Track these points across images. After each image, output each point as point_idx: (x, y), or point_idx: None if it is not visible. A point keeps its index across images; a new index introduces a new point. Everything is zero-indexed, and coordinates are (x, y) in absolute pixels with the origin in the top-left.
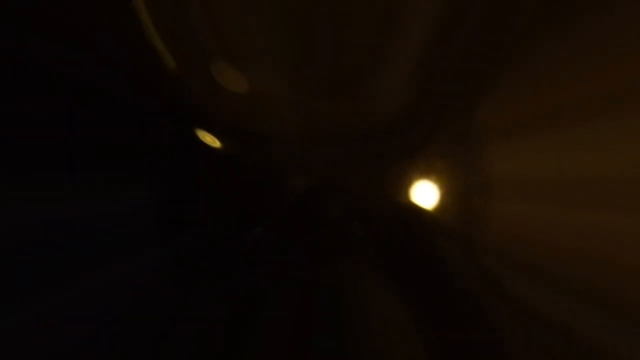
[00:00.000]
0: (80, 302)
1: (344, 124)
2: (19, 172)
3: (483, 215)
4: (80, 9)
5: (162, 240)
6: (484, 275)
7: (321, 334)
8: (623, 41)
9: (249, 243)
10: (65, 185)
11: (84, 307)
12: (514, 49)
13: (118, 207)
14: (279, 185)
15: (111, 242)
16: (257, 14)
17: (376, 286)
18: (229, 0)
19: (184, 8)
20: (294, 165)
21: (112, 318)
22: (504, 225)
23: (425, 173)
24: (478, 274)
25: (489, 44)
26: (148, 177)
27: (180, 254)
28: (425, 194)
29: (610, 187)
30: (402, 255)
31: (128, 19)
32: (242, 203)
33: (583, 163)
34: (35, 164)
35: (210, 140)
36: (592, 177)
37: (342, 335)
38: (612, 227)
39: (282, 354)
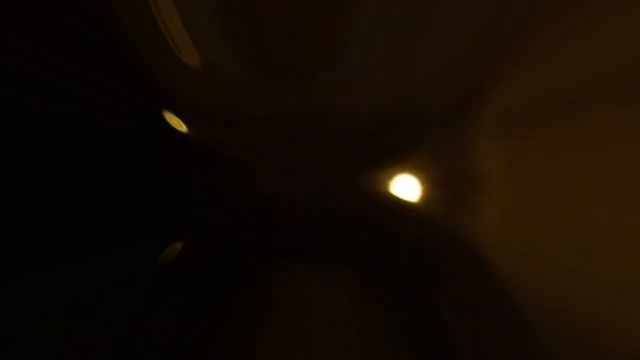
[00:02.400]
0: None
1: (318, 120)
2: None
3: (471, 210)
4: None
5: (131, 234)
6: (475, 267)
7: (307, 334)
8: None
9: (216, 237)
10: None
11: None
12: (505, 46)
13: (86, 197)
14: (246, 177)
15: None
16: None
17: (357, 286)
18: None
19: None
20: (263, 158)
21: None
22: (491, 218)
23: (412, 169)
24: (468, 266)
25: (480, 41)
26: (115, 160)
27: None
28: (411, 189)
29: (605, 182)
30: (381, 251)
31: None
32: (207, 193)
33: (573, 159)
34: None
35: (177, 123)
36: (581, 171)
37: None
38: (604, 219)
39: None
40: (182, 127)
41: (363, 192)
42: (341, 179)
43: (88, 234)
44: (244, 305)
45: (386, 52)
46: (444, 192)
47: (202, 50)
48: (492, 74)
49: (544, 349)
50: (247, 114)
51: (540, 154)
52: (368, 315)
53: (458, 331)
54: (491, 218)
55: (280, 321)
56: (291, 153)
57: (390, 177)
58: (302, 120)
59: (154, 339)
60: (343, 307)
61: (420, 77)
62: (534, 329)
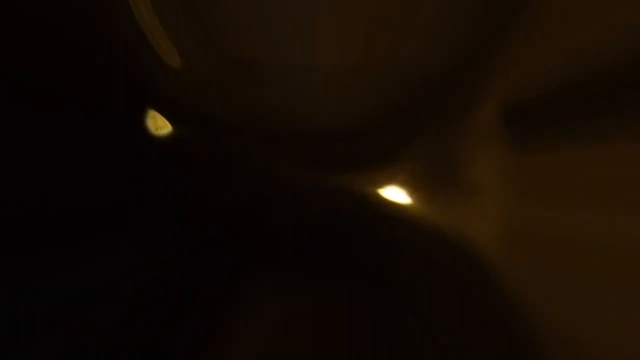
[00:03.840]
0: None
1: (306, 121)
2: None
3: (471, 214)
4: None
5: (106, 237)
6: (475, 273)
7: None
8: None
9: (202, 242)
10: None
11: None
12: (505, 46)
13: (65, 199)
14: (232, 179)
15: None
16: None
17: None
18: None
19: None
20: (249, 159)
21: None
22: (492, 223)
23: (408, 172)
24: (467, 271)
25: (471, 42)
26: (96, 161)
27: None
28: (407, 193)
29: (611, 184)
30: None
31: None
32: (192, 195)
33: (566, 165)
34: None
35: (162, 123)
36: (586, 173)
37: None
38: (610, 223)
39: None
40: (167, 127)
41: (355, 196)
42: (332, 182)
43: (67, 238)
44: (230, 310)
45: (381, 52)
46: (441, 196)
47: (181, 49)
48: (492, 74)
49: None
50: (232, 115)
51: (542, 156)
52: (361, 323)
53: (458, 339)
54: (492, 223)
55: (269, 327)
56: (279, 154)
57: (384, 180)
58: (289, 121)
59: (139, 344)
60: (335, 314)
61: (417, 78)
62: (534, 333)
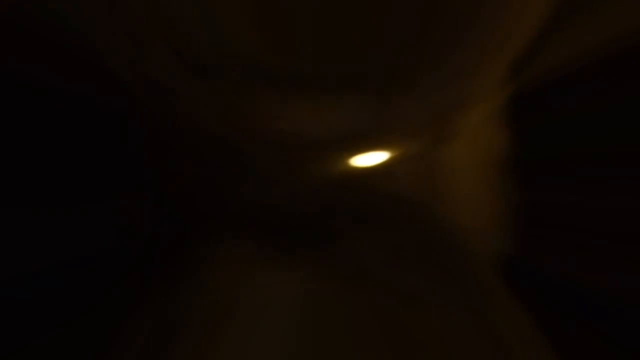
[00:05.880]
0: None
1: None
2: None
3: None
4: None
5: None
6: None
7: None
8: None
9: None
10: None
11: None
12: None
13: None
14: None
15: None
16: None
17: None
18: None
19: None
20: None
21: None
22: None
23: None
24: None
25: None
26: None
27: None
28: (394, 177)
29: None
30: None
31: None
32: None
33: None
34: None
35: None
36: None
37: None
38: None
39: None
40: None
41: (326, 165)
42: (301, 152)
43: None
44: (199, 297)
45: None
46: (425, 181)
47: None
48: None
49: None
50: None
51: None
52: (334, 295)
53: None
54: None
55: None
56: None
57: (358, 145)
58: None
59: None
60: (306, 289)
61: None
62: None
